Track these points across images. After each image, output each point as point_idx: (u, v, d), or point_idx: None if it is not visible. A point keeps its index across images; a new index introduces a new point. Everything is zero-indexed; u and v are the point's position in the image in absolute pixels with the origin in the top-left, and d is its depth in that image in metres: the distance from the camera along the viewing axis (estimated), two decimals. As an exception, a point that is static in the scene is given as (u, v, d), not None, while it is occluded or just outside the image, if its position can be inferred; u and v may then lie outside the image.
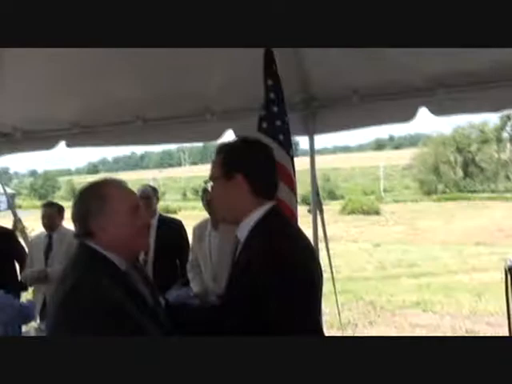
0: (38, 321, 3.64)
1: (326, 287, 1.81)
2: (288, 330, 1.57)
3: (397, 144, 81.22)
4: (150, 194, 4.21)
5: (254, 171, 1.73)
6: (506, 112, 32.08)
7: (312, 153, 3.81)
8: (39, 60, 3.14)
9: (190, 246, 4.08)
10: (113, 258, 1.63)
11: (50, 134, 4.35)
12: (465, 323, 6.64)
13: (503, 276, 3.63)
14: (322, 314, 1.78)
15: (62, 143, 4.36)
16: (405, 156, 42.13)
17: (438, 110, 3.54)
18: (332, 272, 3.93)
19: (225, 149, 1.81)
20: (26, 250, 4.70)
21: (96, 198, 1.64)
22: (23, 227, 5.44)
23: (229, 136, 3.87)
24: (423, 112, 3.59)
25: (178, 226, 4.42)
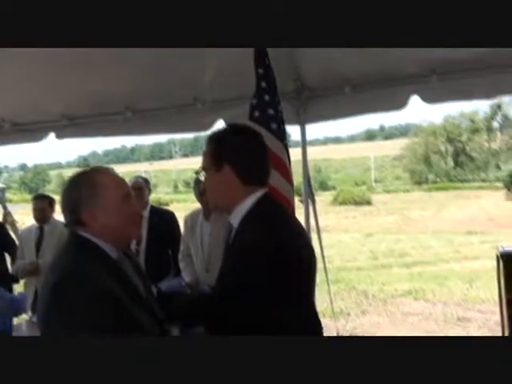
0: (30, 313, 3.62)
1: (319, 277, 1.81)
2: (283, 315, 1.57)
3: (387, 134, 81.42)
4: (141, 185, 4.19)
5: (242, 161, 1.72)
6: (498, 99, 32.34)
7: (303, 142, 3.80)
8: (28, 51, 3.10)
9: (182, 236, 4.07)
10: (104, 247, 1.62)
11: (40, 125, 4.31)
12: (457, 311, 6.69)
13: (495, 263, 3.64)
14: (315, 297, 1.78)
15: (52, 135, 4.32)
16: (395, 146, 42.25)
17: (430, 97, 3.53)
18: (324, 262, 3.94)
19: (214, 139, 1.80)
20: (17, 242, 4.67)
21: (87, 186, 1.61)
22: (13, 220, 5.41)
23: (220, 126, 3.86)
24: (415, 100, 3.59)
25: (170, 217, 4.40)
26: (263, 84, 3.12)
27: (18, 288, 4.80)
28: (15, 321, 3.19)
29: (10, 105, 4.06)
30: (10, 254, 4.68)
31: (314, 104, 3.71)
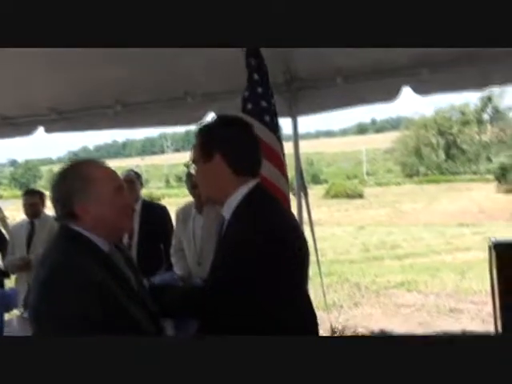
0: (22, 309, 3.59)
1: (311, 270, 1.80)
2: (275, 307, 1.56)
3: (379, 127, 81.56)
4: (133, 179, 4.16)
5: (233, 150, 1.69)
6: (488, 90, 32.44)
7: (295, 134, 3.79)
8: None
9: (174, 230, 4.05)
10: (95, 240, 1.59)
11: (28, 119, 4.27)
12: (449, 302, 6.72)
13: (487, 253, 3.66)
14: (308, 288, 1.77)
15: (41, 129, 4.29)
16: (387, 139, 42.34)
17: (421, 89, 3.53)
18: (317, 255, 3.94)
19: (203, 130, 1.78)
20: (8, 238, 4.63)
21: (79, 179, 1.58)
22: (4, 216, 5.37)
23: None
24: (406, 92, 3.59)
25: (162, 211, 4.38)
26: (256, 76, 3.10)
27: (9, 283, 4.77)
28: (6, 316, 3.16)
29: (-1, 99, 4.03)
30: (0, 250, 4.64)
31: (306, 96, 3.69)
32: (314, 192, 26.97)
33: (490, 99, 35.04)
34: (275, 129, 3.08)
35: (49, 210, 3.36)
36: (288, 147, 3.75)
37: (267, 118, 3.04)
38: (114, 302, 1.49)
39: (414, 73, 3.47)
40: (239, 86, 3.22)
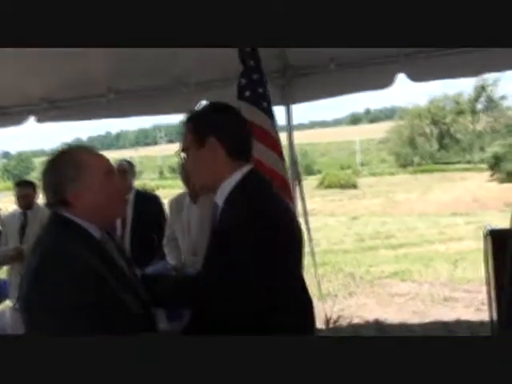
0: (14, 300, 3.56)
1: (306, 260, 1.78)
2: (270, 293, 1.54)
3: (373, 117, 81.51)
4: (126, 168, 4.12)
5: (227, 132, 1.67)
6: (482, 79, 32.44)
7: (289, 122, 3.76)
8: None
9: (167, 220, 4.02)
10: (87, 227, 1.58)
11: (19, 109, 4.22)
12: (443, 291, 6.73)
13: (482, 242, 3.65)
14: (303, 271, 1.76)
15: (32, 119, 4.23)
16: (381, 129, 42.31)
17: (416, 75, 3.51)
18: (311, 245, 3.92)
19: (193, 116, 1.75)
20: (0, 228, 4.59)
21: (70, 166, 1.57)
22: (-4, 208, 5.32)
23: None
24: (401, 80, 3.57)
25: (155, 201, 4.35)
26: (251, 62, 3.08)
27: (1, 274, 4.73)
28: (-2, 308, 3.13)
29: (-12, 87, 3.96)
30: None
31: (299, 84, 3.66)
32: (308, 182, 26.94)
33: (483, 88, 35.04)
34: (272, 115, 3.08)
35: (42, 201, 3.32)
36: (282, 137, 3.73)
37: (265, 104, 3.04)
38: (107, 290, 1.48)
39: (408, 60, 3.44)
40: (232, 74, 3.20)
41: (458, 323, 5.24)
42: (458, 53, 3.36)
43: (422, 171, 31.77)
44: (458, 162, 34.27)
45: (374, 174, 33.64)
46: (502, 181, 23.40)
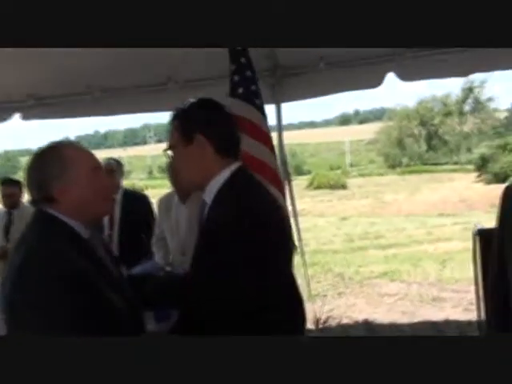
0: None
1: (295, 260, 1.76)
2: (260, 292, 1.51)
3: (362, 118, 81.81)
4: (113, 167, 4.06)
5: (214, 129, 1.64)
6: (470, 81, 32.69)
7: (279, 121, 3.74)
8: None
9: (156, 219, 3.98)
10: (73, 224, 1.54)
11: (4, 106, 4.15)
12: (432, 291, 6.74)
13: (471, 241, 3.65)
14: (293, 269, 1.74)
15: (17, 116, 4.17)
16: (370, 130, 42.47)
17: (405, 75, 3.50)
18: (301, 245, 3.91)
19: (179, 113, 1.71)
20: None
21: (56, 161, 1.53)
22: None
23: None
24: (390, 78, 3.56)
25: (143, 200, 4.30)
26: (243, 60, 3.07)
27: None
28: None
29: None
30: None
31: (289, 82, 3.64)
32: (298, 182, 26.95)
33: (470, 90, 35.29)
34: (264, 113, 3.08)
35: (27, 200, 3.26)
36: (272, 137, 3.71)
37: (258, 102, 3.04)
38: (93, 289, 1.43)
39: (398, 59, 3.43)
40: (221, 71, 3.17)
41: (447, 323, 5.25)
42: (446, 53, 3.36)
43: (411, 172, 31.93)
44: (446, 163, 34.49)
45: (363, 175, 33.76)
46: (488, 182, 23.59)
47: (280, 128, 3.74)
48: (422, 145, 36.29)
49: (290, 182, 3.78)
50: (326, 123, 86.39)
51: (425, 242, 11.67)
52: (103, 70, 3.67)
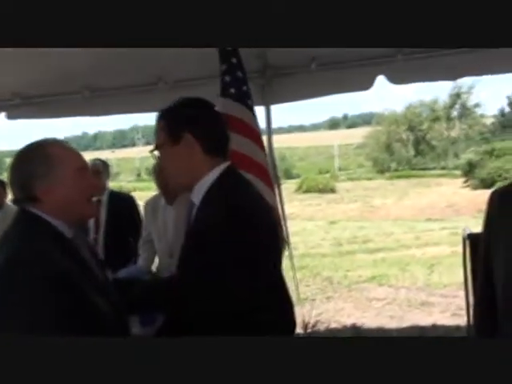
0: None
1: (284, 264, 1.73)
2: (248, 294, 1.47)
3: (350, 123, 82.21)
4: (99, 169, 4.00)
5: (202, 128, 1.60)
6: (457, 87, 32.96)
7: (269, 123, 3.70)
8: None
9: (143, 221, 3.92)
10: (57, 225, 1.49)
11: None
12: (420, 296, 6.74)
13: (461, 245, 3.62)
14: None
15: (2, 115, 4.09)
16: (358, 135, 42.66)
17: (396, 77, 3.49)
18: (290, 249, 3.87)
19: (165, 113, 1.67)
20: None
21: (41, 159, 1.49)
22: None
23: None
24: (379, 81, 3.55)
25: (129, 201, 4.24)
26: (234, 60, 3.05)
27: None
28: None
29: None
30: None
31: (279, 83, 3.61)
32: (287, 186, 26.97)
33: (458, 96, 35.57)
34: (255, 113, 3.06)
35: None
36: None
37: (249, 102, 3.02)
38: (77, 291, 1.39)
39: (388, 61, 3.42)
40: (212, 71, 3.14)
41: (435, 328, 5.25)
42: (437, 56, 3.35)
43: (399, 177, 32.08)
44: (434, 168, 34.70)
45: (351, 179, 33.87)
46: (475, 187, 23.75)
47: (270, 130, 3.70)
48: (410, 150, 36.49)
49: (279, 185, 3.73)
50: (315, 127, 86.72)
51: (413, 246, 11.70)
52: (92, 70, 3.61)
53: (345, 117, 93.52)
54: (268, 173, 3.06)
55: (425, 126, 36.32)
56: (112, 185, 4.25)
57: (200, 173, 1.60)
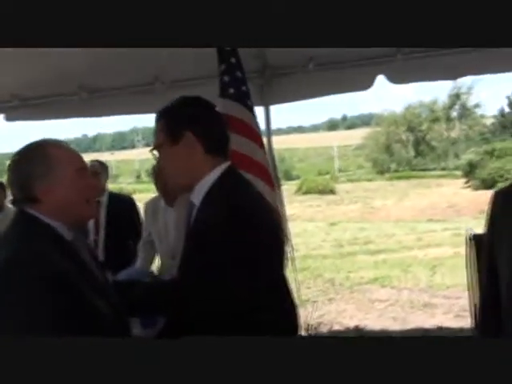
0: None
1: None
2: (251, 290, 1.45)
3: (350, 124, 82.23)
4: (98, 170, 3.95)
5: (204, 127, 1.56)
6: (457, 87, 32.99)
7: (268, 123, 3.66)
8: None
9: (143, 223, 3.87)
10: (57, 226, 1.47)
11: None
12: (422, 297, 6.70)
13: (465, 245, 3.60)
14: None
15: (1, 117, 4.05)
16: (358, 136, 42.66)
17: (396, 77, 3.46)
18: (293, 250, 3.84)
19: (165, 112, 1.63)
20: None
21: (40, 160, 1.47)
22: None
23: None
24: (379, 81, 3.52)
25: (129, 202, 4.20)
26: (233, 60, 3.02)
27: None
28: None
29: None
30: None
31: (279, 83, 3.57)
32: (286, 188, 26.95)
33: (457, 96, 35.56)
34: (254, 113, 3.03)
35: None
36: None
37: (249, 103, 2.99)
38: (75, 291, 1.37)
39: (387, 61, 3.39)
40: (209, 72, 3.12)
41: (439, 330, 5.20)
42: (437, 55, 3.33)
43: (399, 178, 32.05)
44: (434, 169, 34.67)
45: (351, 180, 33.84)
46: (476, 188, 23.73)
47: (269, 130, 3.66)
48: (409, 150, 36.47)
49: (279, 187, 3.70)
50: (314, 128, 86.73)
51: (414, 247, 11.66)
52: (90, 71, 3.58)
53: (344, 118, 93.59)
54: (269, 172, 3.04)
55: (424, 127, 36.29)
56: (112, 187, 4.21)
57: (201, 172, 1.57)
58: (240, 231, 1.42)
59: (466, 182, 25.74)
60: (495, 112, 38.40)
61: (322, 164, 44.70)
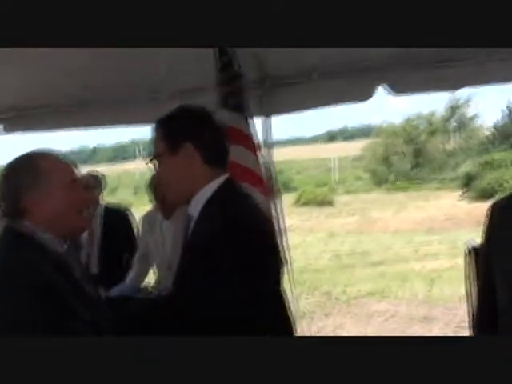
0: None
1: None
2: (248, 301, 1.44)
3: (348, 135, 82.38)
4: (90, 182, 3.86)
5: (203, 137, 1.54)
6: (455, 99, 33.13)
7: (268, 134, 3.64)
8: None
9: (139, 236, 3.83)
10: (47, 238, 1.46)
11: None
12: (421, 309, 6.67)
13: (464, 257, 3.57)
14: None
15: (-1, 128, 4.03)
16: (356, 147, 42.73)
17: (397, 88, 3.45)
18: (290, 262, 3.81)
19: (165, 121, 1.62)
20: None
21: (30, 171, 1.47)
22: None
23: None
24: (379, 92, 3.52)
25: (124, 215, 4.14)
26: (232, 70, 3.04)
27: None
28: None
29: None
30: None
31: (278, 94, 3.56)
32: (285, 199, 26.88)
33: (456, 108, 35.72)
34: (253, 123, 3.04)
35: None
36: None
37: (248, 113, 3.02)
38: (66, 304, 1.36)
39: (389, 72, 3.39)
40: (208, 82, 3.12)
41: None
42: (438, 67, 3.33)
43: (397, 189, 32.04)
44: (432, 181, 34.68)
45: (349, 192, 33.83)
46: (474, 199, 23.74)
47: (269, 141, 3.64)
48: (407, 162, 36.52)
49: (280, 198, 3.68)
50: (313, 140, 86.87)
51: (412, 259, 11.64)
52: (88, 81, 3.57)
53: (343, 129, 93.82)
54: (262, 179, 3.03)
55: (423, 139, 36.40)
56: (111, 199, 4.17)
57: (199, 184, 1.55)
58: (237, 244, 1.41)
59: (464, 194, 25.77)
60: (493, 123, 38.58)
61: (320, 176, 44.70)
